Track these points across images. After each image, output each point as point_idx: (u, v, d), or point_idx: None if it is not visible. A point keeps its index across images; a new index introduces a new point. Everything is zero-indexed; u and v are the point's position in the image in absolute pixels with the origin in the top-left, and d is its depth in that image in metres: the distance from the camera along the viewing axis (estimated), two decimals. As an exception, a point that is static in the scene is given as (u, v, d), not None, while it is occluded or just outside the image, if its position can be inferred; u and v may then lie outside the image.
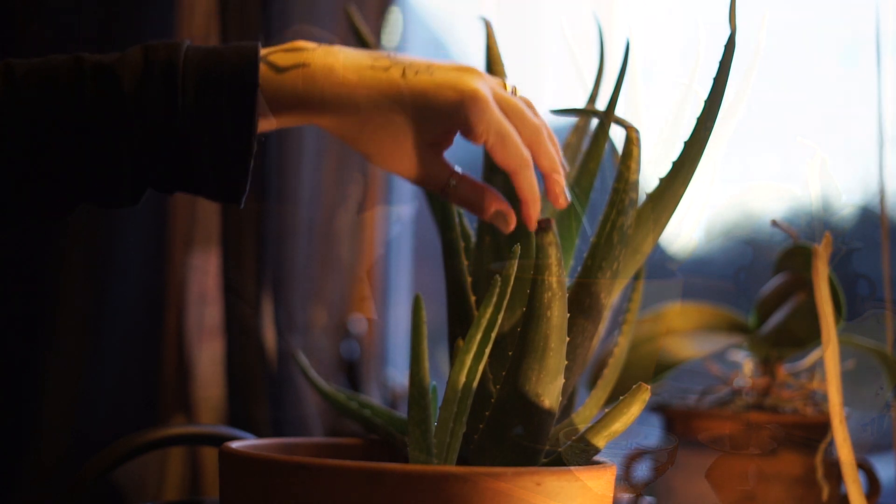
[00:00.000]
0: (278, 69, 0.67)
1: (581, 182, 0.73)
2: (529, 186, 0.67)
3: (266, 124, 0.68)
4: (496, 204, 0.69)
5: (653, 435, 0.99)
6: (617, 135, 0.88)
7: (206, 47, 0.68)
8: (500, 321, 0.60)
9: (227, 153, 0.67)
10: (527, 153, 0.67)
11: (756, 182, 1.39)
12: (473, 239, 0.75)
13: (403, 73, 0.67)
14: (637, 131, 0.65)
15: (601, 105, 0.80)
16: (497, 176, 0.72)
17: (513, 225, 0.69)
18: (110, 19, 1.09)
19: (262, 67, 0.67)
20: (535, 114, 0.70)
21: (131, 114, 0.66)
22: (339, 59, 0.67)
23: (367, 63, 0.67)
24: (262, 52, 0.68)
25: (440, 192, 0.70)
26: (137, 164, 0.67)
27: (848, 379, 0.82)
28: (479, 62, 0.78)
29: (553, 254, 0.56)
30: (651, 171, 0.71)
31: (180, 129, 0.66)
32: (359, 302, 1.47)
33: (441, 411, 0.61)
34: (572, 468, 0.57)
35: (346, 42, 1.38)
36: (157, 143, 0.66)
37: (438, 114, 0.67)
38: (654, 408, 0.95)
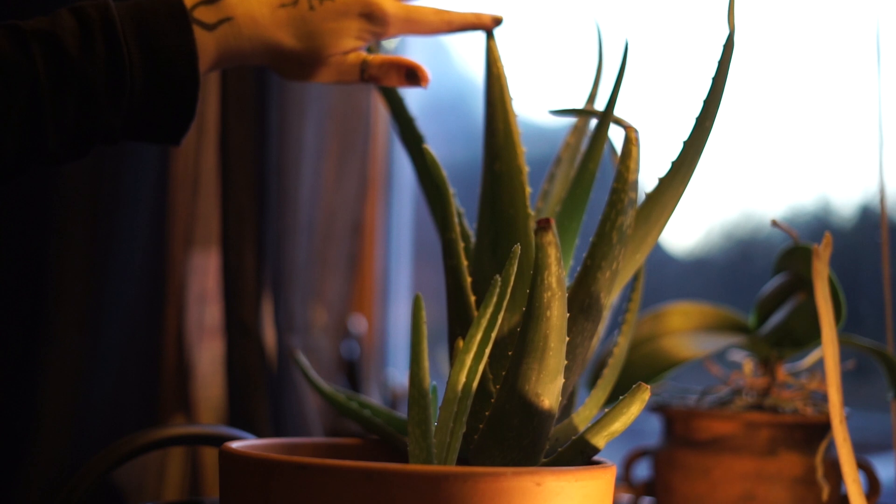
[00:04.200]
0: (208, 27, 0.74)
1: (580, 182, 0.74)
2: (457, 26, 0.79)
3: (203, 68, 0.75)
4: (405, 67, 0.78)
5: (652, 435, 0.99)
6: (616, 135, 0.88)
7: (129, 4, 0.73)
8: (500, 321, 0.60)
9: (174, 105, 0.73)
10: (437, 17, 0.78)
11: (756, 183, 1.39)
12: (473, 239, 0.75)
13: (311, 6, 0.75)
14: (636, 131, 0.65)
15: (600, 105, 0.80)
16: (497, 163, 0.72)
17: (425, 79, 0.78)
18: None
19: (195, 29, 0.73)
20: None
21: (80, 75, 0.69)
22: (253, 5, 0.75)
23: (277, 1, 0.75)
24: (187, 3, 0.73)
25: (358, 80, 0.79)
26: (86, 122, 0.71)
27: (848, 379, 0.82)
28: (478, 62, 0.79)
29: (552, 253, 0.56)
30: (650, 171, 0.72)
31: (127, 88, 0.70)
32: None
33: (441, 411, 0.61)
34: (572, 468, 0.57)
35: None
36: (105, 101, 0.70)
37: (348, 30, 0.76)
38: (654, 408, 0.96)
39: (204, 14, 0.73)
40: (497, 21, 0.79)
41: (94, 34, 0.70)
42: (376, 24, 0.76)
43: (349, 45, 0.76)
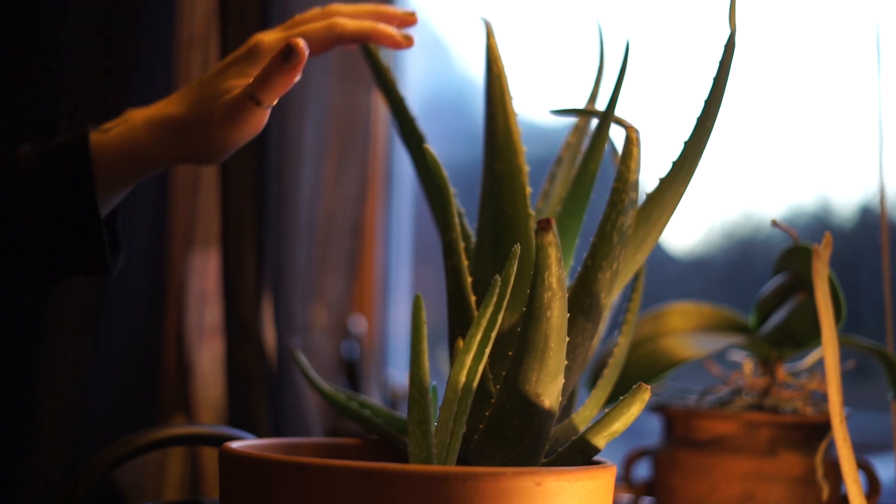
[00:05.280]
0: (105, 130, 0.75)
1: (581, 182, 0.74)
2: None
3: (114, 186, 0.75)
4: (279, 53, 0.72)
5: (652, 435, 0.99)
6: (617, 135, 0.88)
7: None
8: (500, 321, 0.60)
9: (77, 225, 0.74)
10: (326, 31, 0.76)
11: (756, 183, 1.39)
12: (473, 239, 0.75)
13: (199, 79, 0.76)
14: (637, 131, 0.65)
15: (601, 105, 0.80)
16: (497, 162, 0.72)
17: (298, 45, 0.71)
18: (110, 19, 1.09)
19: (93, 135, 0.74)
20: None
21: None
22: (155, 105, 0.76)
23: (184, 91, 0.76)
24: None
25: (255, 107, 0.74)
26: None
27: (848, 379, 0.82)
28: (478, 62, 0.78)
29: (553, 253, 0.56)
30: (651, 172, 0.72)
31: (28, 205, 0.73)
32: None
33: (441, 411, 0.61)
34: (572, 468, 0.57)
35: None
36: (11, 229, 0.73)
37: (229, 74, 0.74)
38: (654, 408, 0.95)
39: (105, 125, 0.76)
40: (409, 22, 0.79)
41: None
42: (254, 55, 0.75)
43: (232, 83, 0.74)
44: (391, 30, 0.78)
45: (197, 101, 0.74)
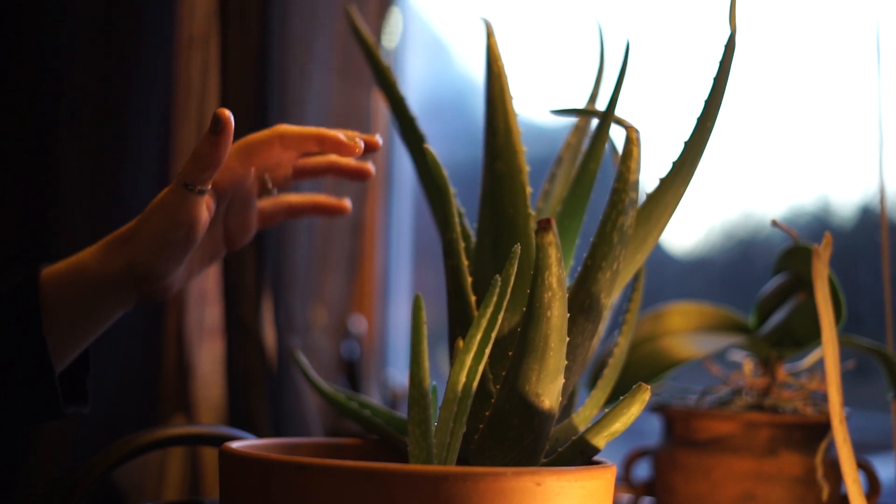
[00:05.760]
0: (56, 262, 0.75)
1: (581, 182, 0.74)
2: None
3: (67, 318, 0.74)
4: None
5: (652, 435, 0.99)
6: (617, 135, 0.88)
7: None
8: (500, 321, 0.60)
9: (26, 366, 0.73)
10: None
11: (756, 183, 1.39)
12: (474, 239, 0.75)
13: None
14: (637, 131, 0.65)
15: (601, 105, 0.80)
16: (497, 162, 0.72)
17: (228, 118, 0.68)
18: (110, 19, 1.09)
19: (45, 268, 0.74)
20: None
21: None
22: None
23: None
24: None
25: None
26: None
27: (848, 379, 0.82)
28: (478, 62, 0.78)
29: (553, 254, 0.56)
30: (651, 171, 0.72)
31: None
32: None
33: (441, 411, 0.61)
34: (572, 468, 0.57)
35: (346, 42, 1.39)
36: None
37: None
38: (654, 408, 0.96)
39: None
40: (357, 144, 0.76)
41: None
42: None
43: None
44: (339, 135, 0.74)
45: (143, 214, 0.72)
